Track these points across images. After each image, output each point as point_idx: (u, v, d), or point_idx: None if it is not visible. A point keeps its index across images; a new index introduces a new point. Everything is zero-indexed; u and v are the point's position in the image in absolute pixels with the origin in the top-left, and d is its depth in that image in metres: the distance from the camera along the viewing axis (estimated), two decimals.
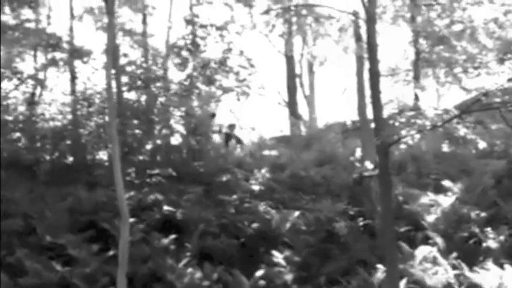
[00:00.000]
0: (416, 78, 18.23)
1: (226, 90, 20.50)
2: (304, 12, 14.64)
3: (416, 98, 17.85)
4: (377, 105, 12.39)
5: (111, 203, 13.87)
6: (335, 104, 33.23)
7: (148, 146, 18.13)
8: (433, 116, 11.07)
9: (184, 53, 18.01)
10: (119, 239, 11.39)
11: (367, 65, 21.45)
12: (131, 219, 12.53)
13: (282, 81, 28.72)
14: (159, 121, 18.81)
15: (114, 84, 17.42)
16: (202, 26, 17.66)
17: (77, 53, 18.72)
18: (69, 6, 19.45)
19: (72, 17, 19.41)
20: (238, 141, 21.06)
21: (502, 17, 15.58)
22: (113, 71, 17.55)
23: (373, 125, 12.59)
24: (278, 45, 28.61)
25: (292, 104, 27.24)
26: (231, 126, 21.56)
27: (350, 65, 31.79)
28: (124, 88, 19.41)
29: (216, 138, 20.98)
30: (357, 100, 23.71)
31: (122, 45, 20.49)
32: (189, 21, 17.99)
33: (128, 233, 11.45)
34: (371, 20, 12.55)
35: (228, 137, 21.21)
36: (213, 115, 22.02)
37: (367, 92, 23.85)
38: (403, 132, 11.88)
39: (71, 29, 19.26)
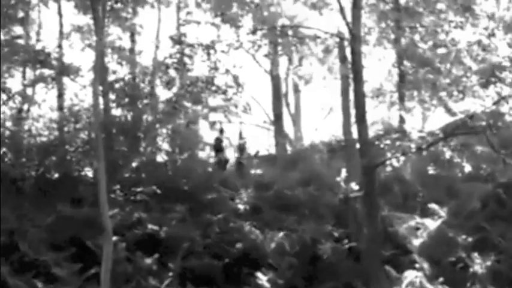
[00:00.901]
0: (401, 99, 18.34)
1: (213, 109, 20.47)
2: (290, 32, 14.72)
3: (402, 119, 17.95)
4: (362, 126, 12.47)
5: (94, 221, 13.68)
6: (321, 123, 33.14)
7: (134, 163, 17.91)
8: (417, 138, 11.14)
9: (172, 72, 17.99)
10: (102, 258, 11.27)
11: (352, 86, 21.72)
12: (114, 238, 12.43)
13: (268, 100, 28.80)
14: (145, 138, 18.71)
15: (101, 100, 17.72)
16: (190, 45, 17.66)
17: (66, 70, 18.68)
18: (58, 24, 19.49)
19: (61, 34, 19.39)
20: (226, 161, 21.06)
21: (486, 40, 15.76)
22: (100, 88, 17.67)
23: (358, 146, 12.66)
24: (264, 64, 28.71)
25: (277, 123, 27.22)
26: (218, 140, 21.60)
27: (335, 85, 32.24)
28: (111, 105, 19.36)
29: (202, 155, 20.91)
30: (342, 120, 23.96)
31: (110, 63, 20.45)
32: (176, 41, 18.00)
33: (111, 252, 11.41)
34: (356, 41, 12.68)
35: (218, 151, 21.22)
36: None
37: (353, 112, 24.12)
38: (389, 155, 11.96)
39: (60, 46, 19.23)
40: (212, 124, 20.64)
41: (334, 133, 25.06)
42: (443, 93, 11.25)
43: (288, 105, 31.64)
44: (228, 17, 15.80)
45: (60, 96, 18.86)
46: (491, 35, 18.02)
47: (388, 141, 11.73)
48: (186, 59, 17.49)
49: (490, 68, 11.00)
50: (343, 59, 19.77)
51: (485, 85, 10.64)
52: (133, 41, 21.36)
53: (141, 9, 20.57)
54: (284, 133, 26.78)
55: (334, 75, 30.09)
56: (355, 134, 24.00)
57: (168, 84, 18.79)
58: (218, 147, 21.58)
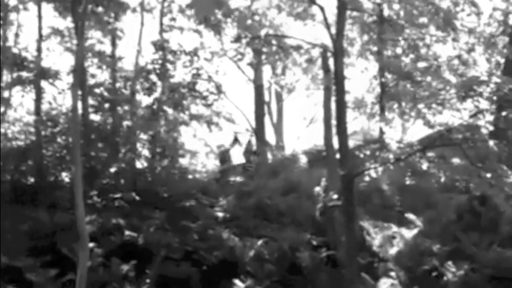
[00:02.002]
0: (382, 111, 18.49)
1: (195, 117, 20.43)
2: (273, 42, 14.79)
3: (382, 131, 18.09)
4: (342, 136, 12.53)
5: (71, 227, 13.55)
6: (303, 132, 33.26)
7: (113, 169, 17.79)
8: (396, 149, 11.24)
9: (153, 77, 17.90)
10: (78, 264, 11.18)
11: (334, 96, 21.76)
12: (91, 244, 12.28)
13: (250, 108, 28.77)
14: (124, 144, 18.59)
15: (80, 105, 17.40)
16: (172, 52, 17.63)
17: (44, 73, 18.47)
18: (37, 26, 19.27)
19: (41, 37, 19.20)
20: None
21: (465, 55, 15.98)
22: (79, 92, 17.44)
23: (338, 156, 12.72)
24: (247, 72, 28.70)
25: (259, 132, 27.22)
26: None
27: (318, 95, 32.44)
28: (90, 110, 19.21)
29: (183, 162, 20.80)
30: (323, 130, 24.01)
31: (90, 67, 20.27)
32: (158, 47, 17.95)
33: (87, 258, 11.19)
34: (338, 53, 12.75)
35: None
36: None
37: (334, 123, 24.19)
38: (367, 165, 12.04)
39: (39, 49, 19.04)
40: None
41: (315, 143, 25.34)
42: (421, 106, 11.36)
43: (270, 114, 31.64)
44: (211, 23, 15.81)
45: (38, 99, 18.57)
46: (471, 49, 18.29)
47: (367, 152, 11.80)
48: (168, 65, 17.41)
49: (468, 82, 11.14)
50: (326, 69, 19.95)
51: (463, 99, 10.77)
52: (114, 45, 21.16)
53: (123, 13, 20.40)
54: (266, 142, 26.76)
55: (317, 85, 30.44)
56: (336, 144, 24.40)
57: (149, 90, 18.69)
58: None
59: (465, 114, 11.22)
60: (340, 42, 12.65)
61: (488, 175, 10.79)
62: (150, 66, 17.71)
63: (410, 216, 15.39)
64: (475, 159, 10.74)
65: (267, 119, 29.90)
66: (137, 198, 16.19)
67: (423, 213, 15.45)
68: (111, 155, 17.97)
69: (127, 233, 14.48)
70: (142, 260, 13.57)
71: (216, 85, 17.88)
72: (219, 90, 17.89)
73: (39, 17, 19.01)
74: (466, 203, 14.29)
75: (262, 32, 15.50)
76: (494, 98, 10.57)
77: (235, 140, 22.36)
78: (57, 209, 15.49)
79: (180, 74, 18.75)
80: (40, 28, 19.02)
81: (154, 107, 18.70)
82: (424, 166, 11.53)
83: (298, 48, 15.74)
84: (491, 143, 10.80)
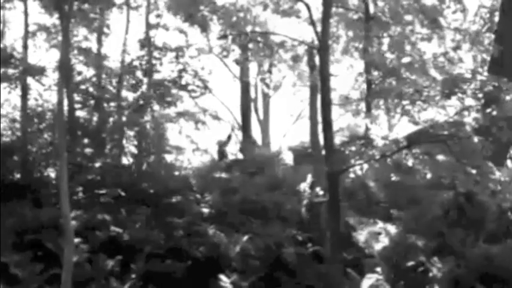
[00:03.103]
0: (368, 108, 18.57)
1: (182, 114, 20.45)
2: (259, 39, 14.81)
3: (367, 127, 18.18)
4: (328, 133, 12.58)
5: (56, 222, 13.57)
6: (289, 129, 33.32)
7: (98, 165, 17.77)
8: (382, 146, 11.31)
9: (139, 74, 17.87)
10: (63, 259, 11.16)
11: (320, 94, 21.81)
12: (76, 240, 12.37)
13: (237, 105, 28.76)
14: (111, 140, 18.59)
15: (66, 101, 17.32)
16: (157, 48, 17.59)
17: (30, 70, 18.44)
18: (24, 23, 19.20)
19: (27, 33, 19.14)
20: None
21: (451, 52, 16.07)
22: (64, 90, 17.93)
23: (324, 153, 12.78)
24: (234, 69, 28.70)
25: (245, 129, 27.24)
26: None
27: (305, 92, 32.48)
28: (76, 106, 19.16)
29: (169, 158, 20.81)
30: (309, 127, 24.11)
31: (76, 64, 20.26)
32: (145, 44, 17.91)
33: (72, 254, 11.33)
34: (324, 50, 12.79)
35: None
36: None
37: (320, 120, 24.28)
38: (353, 161, 12.10)
39: (25, 46, 18.98)
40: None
41: (302, 140, 25.42)
42: (406, 102, 11.42)
43: (256, 111, 31.64)
44: (195, 19, 15.78)
45: (24, 96, 18.53)
46: (457, 47, 18.43)
47: (353, 148, 11.86)
48: (154, 61, 17.38)
49: (453, 79, 11.22)
50: (312, 66, 20.07)
51: (448, 96, 10.85)
52: (100, 42, 21.13)
53: (110, 10, 20.34)
54: (252, 139, 26.80)
55: (303, 82, 30.48)
56: (322, 141, 24.47)
57: (134, 87, 18.68)
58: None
59: (450, 111, 11.32)
60: (325, 40, 12.70)
61: (474, 171, 10.88)
62: (136, 63, 17.67)
63: (396, 212, 15.47)
64: (460, 156, 10.84)
65: (253, 116, 29.92)
66: (122, 194, 16.19)
67: (408, 209, 15.52)
68: (97, 150, 17.94)
69: (112, 228, 14.51)
70: (128, 256, 13.60)
71: (202, 81, 17.85)
72: (205, 86, 17.87)
73: (26, 13, 18.95)
74: (452, 199, 14.37)
75: (248, 29, 15.48)
76: (480, 95, 10.67)
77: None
78: (42, 205, 15.44)
79: (166, 70, 18.78)
80: (26, 25, 18.96)
81: (140, 102, 18.66)
82: (410, 163, 11.60)
83: (283, 45, 15.77)
84: (475, 139, 10.89)
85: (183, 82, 17.94)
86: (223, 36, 15.08)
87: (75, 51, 20.23)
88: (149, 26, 19.38)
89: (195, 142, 24.61)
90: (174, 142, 20.80)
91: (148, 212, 15.56)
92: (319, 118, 24.12)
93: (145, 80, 18.41)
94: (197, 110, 22.38)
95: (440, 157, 11.53)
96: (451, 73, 13.99)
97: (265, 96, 32.16)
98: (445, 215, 14.65)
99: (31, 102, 19.04)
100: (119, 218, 15.03)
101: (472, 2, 24.95)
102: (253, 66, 28.00)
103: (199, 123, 21.28)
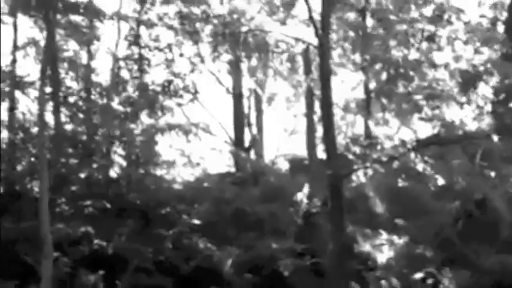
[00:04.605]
0: (368, 106, 17.67)
1: (172, 126, 19.70)
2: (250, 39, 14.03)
3: (368, 126, 17.32)
4: (329, 135, 11.66)
5: (36, 236, 12.68)
6: (283, 144, 32.59)
7: (84, 176, 17.07)
8: (389, 148, 10.37)
9: (126, 74, 17.04)
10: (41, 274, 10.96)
11: (317, 102, 21.18)
12: (56, 254, 12.06)
13: (229, 120, 28.06)
14: (97, 152, 17.88)
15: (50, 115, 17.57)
16: (146, 46, 16.76)
17: (18, 84, 17.93)
18: (13, 37, 18.78)
19: (16, 47, 18.66)
20: None
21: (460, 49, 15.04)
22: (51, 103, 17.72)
23: (324, 156, 11.88)
24: (226, 83, 28.11)
25: (239, 140, 26.41)
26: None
27: (298, 107, 31.83)
28: (64, 119, 18.74)
29: (159, 172, 19.97)
30: (306, 137, 23.36)
31: (66, 79, 19.74)
32: (131, 42, 17.09)
33: (50, 269, 11.13)
34: (324, 47, 11.96)
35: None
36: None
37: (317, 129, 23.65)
38: (357, 165, 11.17)
39: (14, 59, 18.51)
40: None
41: (296, 154, 24.74)
42: (418, 97, 10.45)
43: (250, 125, 30.88)
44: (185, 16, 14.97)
45: (12, 110, 18.06)
46: (467, 42, 17.40)
47: (357, 149, 10.94)
48: (142, 61, 16.55)
49: (473, 70, 10.18)
50: (308, 71, 19.45)
51: (464, 88, 9.84)
52: (90, 53, 20.60)
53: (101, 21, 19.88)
54: (246, 149, 25.98)
55: (297, 97, 29.91)
56: (319, 152, 23.69)
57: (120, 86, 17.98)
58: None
59: (465, 112, 10.32)
60: (326, 35, 11.87)
61: (492, 174, 9.87)
62: (122, 63, 16.84)
63: (400, 222, 14.57)
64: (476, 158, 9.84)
65: (246, 130, 29.21)
66: (108, 206, 15.33)
67: (414, 219, 14.61)
68: (83, 162, 17.19)
69: (96, 241, 13.83)
70: (112, 270, 12.95)
71: (191, 84, 17.01)
72: (195, 90, 17.01)
73: (15, 27, 18.59)
74: (461, 207, 13.43)
75: (243, 29, 14.64)
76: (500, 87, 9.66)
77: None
78: (23, 218, 14.59)
79: (154, 73, 17.99)
80: (16, 38, 18.52)
81: (128, 109, 17.91)
82: (419, 167, 10.62)
83: (278, 45, 15.07)
84: (494, 138, 9.82)
85: (172, 88, 17.11)
86: (215, 35, 14.30)
87: (65, 65, 19.99)
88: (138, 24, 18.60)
89: (186, 155, 24.09)
90: (165, 156, 20.08)
91: (135, 224, 14.78)
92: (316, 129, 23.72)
93: (131, 82, 17.50)
94: (188, 122, 21.79)
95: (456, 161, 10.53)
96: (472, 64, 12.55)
97: (259, 110, 31.42)
98: (454, 224, 13.73)
99: (19, 116, 18.50)
100: (103, 231, 14.15)
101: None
102: (246, 80, 27.41)
103: (191, 135, 20.57)
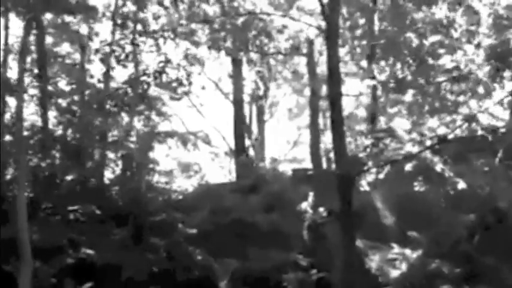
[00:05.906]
0: (374, 99, 16.65)
1: (169, 135, 18.85)
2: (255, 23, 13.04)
3: (373, 119, 16.24)
4: (338, 129, 10.57)
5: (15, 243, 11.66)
6: (285, 155, 31.83)
7: (72, 179, 16.24)
8: (406, 143, 9.25)
9: (112, 61, 15.95)
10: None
11: (321, 109, 20.26)
12: (38, 264, 11.45)
13: (229, 130, 27.25)
14: (87, 155, 16.90)
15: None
16: (141, 33, 15.70)
17: (6, 86, 17.06)
18: (3, 38, 17.96)
19: (6, 49, 17.86)
20: None
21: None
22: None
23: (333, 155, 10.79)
24: (226, 89, 27.34)
25: (239, 147, 25.52)
26: None
27: (301, 119, 31.15)
28: (55, 124, 17.95)
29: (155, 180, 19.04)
30: (309, 146, 22.48)
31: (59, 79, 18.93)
32: (120, 25, 15.98)
33: (29, 279, 10.62)
34: (332, 32, 10.95)
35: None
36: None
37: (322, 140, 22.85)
38: (370, 164, 10.07)
39: (5, 61, 17.66)
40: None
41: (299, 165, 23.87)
42: (442, 78, 9.32)
43: (250, 135, 29.99)
44: None
45: (1, 113, 17.19)
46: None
47: (368, 141, 9.80)
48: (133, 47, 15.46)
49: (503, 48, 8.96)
50: (312, 72, 19.03)
51: (497, 67, 8.67)
52: (83, 51, 19.67)
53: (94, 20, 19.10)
54: (247, 156, 25.03)
55: (300, 110, 29.21)
56: (323, 163, 22.76)
57: (105, 75, 17.03)
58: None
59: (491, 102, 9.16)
60: (335, 19, 10.87)
61: None
62: (107, 48, 15.76)
63: (413, 234, 13.42)
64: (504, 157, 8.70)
65: (247, 140, 28.36)
66: (98, 212, 14.26)
67: (427, 231, 13.44)
68: (71, 165, 16.18)
69: (83, 250, 12.89)
70: (101, 281, 12.07)
71: (186, 73, 15.93)
72: (188, 81, 15.92)
73: (6, 28, 17.79)
74: (478, 218, 12.23)
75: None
76: None
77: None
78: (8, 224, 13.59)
79: (146, 59, 16.99)
80: (6, 39, 17.70)
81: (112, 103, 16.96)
82: (438, 168, 9.45)
83: (282, 31, 14.12)
84: None
85: (164, 78, 16.06)
86: (206, 21, 13.30)
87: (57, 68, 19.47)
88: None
89: (184, 164, 23.26)
90: (163, 165, 19.20)
91: (127, 232, 13.98)
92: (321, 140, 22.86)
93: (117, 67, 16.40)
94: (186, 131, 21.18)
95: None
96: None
97: (260, 120, 30.59)
98: (470, 237, 12.54)
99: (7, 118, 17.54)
100: (91, 239, 13.28)
101: None
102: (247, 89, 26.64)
103: (189, 144, 19.79)
